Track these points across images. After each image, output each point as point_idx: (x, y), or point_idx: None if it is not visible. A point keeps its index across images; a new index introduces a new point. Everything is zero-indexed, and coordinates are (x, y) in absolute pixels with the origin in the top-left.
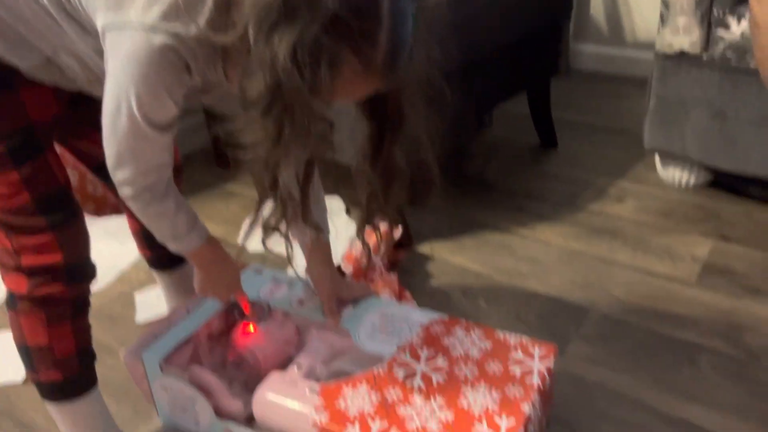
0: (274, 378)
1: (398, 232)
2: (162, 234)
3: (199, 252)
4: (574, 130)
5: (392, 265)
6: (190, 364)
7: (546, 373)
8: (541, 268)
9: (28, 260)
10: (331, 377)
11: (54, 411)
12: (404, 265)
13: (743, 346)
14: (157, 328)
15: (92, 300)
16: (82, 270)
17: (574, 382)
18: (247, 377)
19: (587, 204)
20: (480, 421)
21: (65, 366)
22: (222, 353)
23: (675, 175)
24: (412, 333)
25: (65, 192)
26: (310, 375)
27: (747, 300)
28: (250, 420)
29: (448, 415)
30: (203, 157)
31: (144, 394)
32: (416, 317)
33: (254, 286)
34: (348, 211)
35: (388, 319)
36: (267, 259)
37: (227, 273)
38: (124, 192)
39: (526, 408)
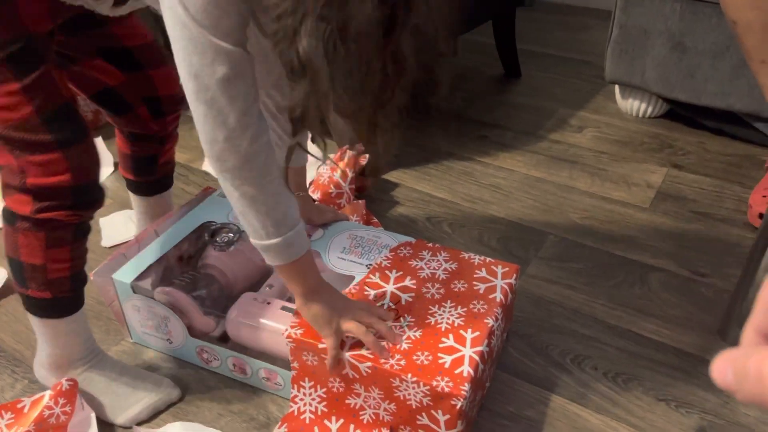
0: (247, 298)
1: (365, 160)
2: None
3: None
4: (537, 60)
5: (359, 192)
6: (161, 284)
7: (508, 289)
8: (503, 195)
9: (33, 179)
10: None
11: (37, 324)
12: (371, 193)
13: (690, 265)
14: (127, 250)
15: None
16: (90, 193)
17: (533, 300)
18: (218, 298)
19: (548, 133)
20: (447, 335)
21: (57, 286)
22: (193, 274)
23: (633, 105)
24: (381, 255)
25: (71, 108)
26: (282, 295)
27: (695, 223)
28: (222, 339)
29: (416, 333)
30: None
31: (115, 314)
32: (385, 240)
33: (222, 209)
34: (313, 139)
35: (358, 241)
36: None
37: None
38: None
39: (490, 321)
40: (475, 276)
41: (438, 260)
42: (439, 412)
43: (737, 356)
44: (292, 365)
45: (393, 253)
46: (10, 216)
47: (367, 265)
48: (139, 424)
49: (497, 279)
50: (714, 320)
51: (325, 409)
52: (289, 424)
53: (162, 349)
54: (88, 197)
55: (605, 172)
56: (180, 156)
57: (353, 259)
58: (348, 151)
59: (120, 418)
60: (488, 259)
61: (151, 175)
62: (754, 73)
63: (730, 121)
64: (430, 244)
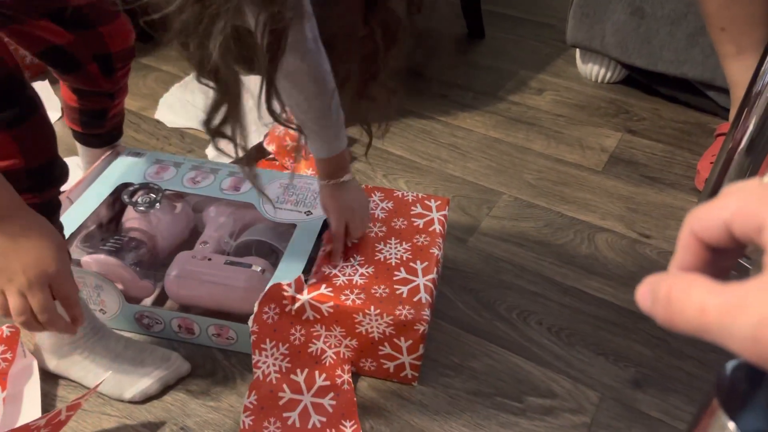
0: (185, 256)
1: None
2: None
3: None
4: (501, 21)
5: None
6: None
7: (444, 220)
8: (460, 154)
9: None
10: (241, 249)
11: None
12: None
13: (636, 227)
14: None
15: None
16: (48, 173)
17: (482, 257)
18: (148, 261)
19: (508, 94)
20: (398, 269)
21: None
22: (118, 239)
23: (593, 70)
24: (316, 200)
25: (17, 80)
26: (218, 250)
27: (645, 187)
28: (155, 303)
29: (369, 269)
30: None
31: None
32: (317, 185)
33: (138, 169)
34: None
35: (291, 190)
36: (186, 134)
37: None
38: None
39: (435, 251)
40: (411, 212)
41: (374, 200)
42: (402, 339)
43: (655, 281)
44: (251, 330)
45: None
46: None
47: (305, 212)
48: (149, 399)
49: (433, 212)
50: None
51: (289, 365)
52: (258, 391)
53: None
54: (47, 177)
55: (561, 135)
56: (131, 104)
57: (290, 208)
58: None
59: (128, 393)
60: (420, 195)
61: (100, 128)
62: (712, 40)
63: (684, 89)
64: (363, 186)
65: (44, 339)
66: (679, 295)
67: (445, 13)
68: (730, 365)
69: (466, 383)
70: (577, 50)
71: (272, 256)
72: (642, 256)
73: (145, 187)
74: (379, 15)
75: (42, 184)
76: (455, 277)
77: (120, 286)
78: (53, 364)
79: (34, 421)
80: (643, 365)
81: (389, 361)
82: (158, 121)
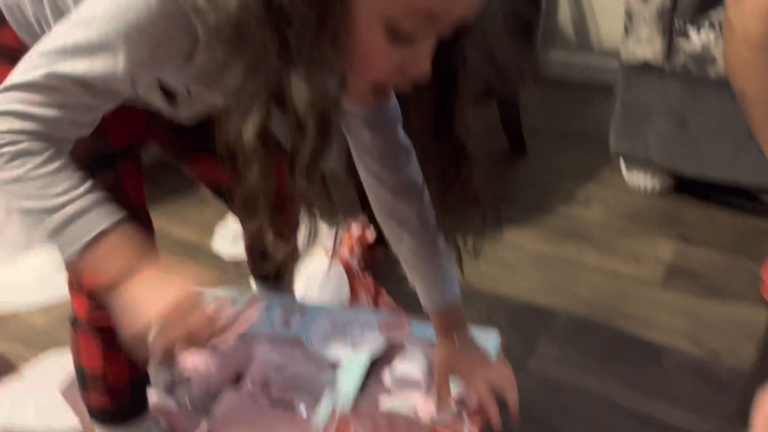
0: (230, 395)
1: (371, 234)
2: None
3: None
4: (542, 135)
5: (368, 266)
6: None
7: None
8: (511, 271)
9: (89, 281)
10: (287, 384)
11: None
12: (382, 269)
13: (705, 344)
14: None
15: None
16: None
17: (543, 382)
18: (197, 397)
19: (555, 208)
20: None
21: (117, 393)
22: (170, 375)
23: (640, 179)
24: (363, 333)
25: (135, 215)
26: (264, 385)
27: (708, 300)
28: None
29: None
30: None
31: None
32: (365, 319)
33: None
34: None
35: (339, 324)
36: (241, 264)
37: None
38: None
39: None
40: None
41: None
42: None
43: None
44: None
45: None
46: (74, 320)
47: (351, 347)
48: None
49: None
50: (730, 402)
51: None
52: None
53: None
54: None
55: (614, 247)
56: (188, 236)
57: (336, 344)
58: (352, 224)
59: None
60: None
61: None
62: (761, 144)
63: (736, 193)
64: (408, 323)
65: None
66: None
67: (486, 129)
68: None
69: None
70: (622, 160)
71: (317, 392)
72: (713, 376)
73: None
74: (449, 131)
75: None
76: None
77: (172, 424)
78: None
79: None
80: None
81: None
82: (216, 255)
